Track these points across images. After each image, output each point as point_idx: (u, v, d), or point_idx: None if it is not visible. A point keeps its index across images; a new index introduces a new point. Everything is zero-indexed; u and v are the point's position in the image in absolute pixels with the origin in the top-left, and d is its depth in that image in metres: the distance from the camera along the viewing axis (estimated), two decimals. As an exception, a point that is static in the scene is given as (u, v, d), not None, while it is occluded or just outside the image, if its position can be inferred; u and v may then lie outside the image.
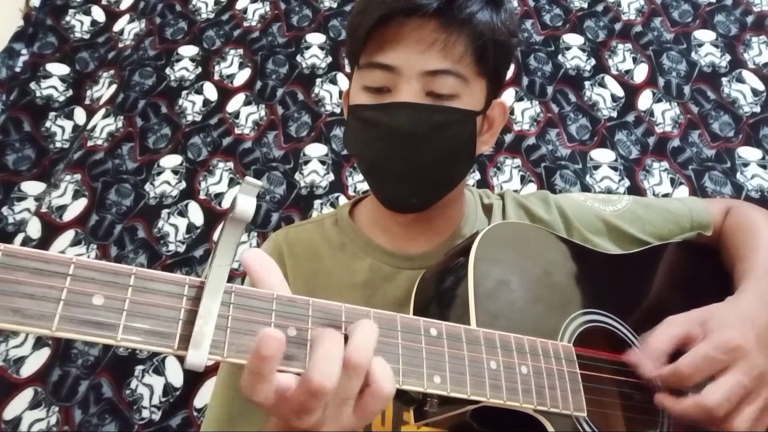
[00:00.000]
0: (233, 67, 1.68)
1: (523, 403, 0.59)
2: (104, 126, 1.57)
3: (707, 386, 0.66)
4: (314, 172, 1.51)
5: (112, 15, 1.80)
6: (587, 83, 1.60)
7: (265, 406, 0.48)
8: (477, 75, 0.79)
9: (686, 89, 1.56)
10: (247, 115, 1.60)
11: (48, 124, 1.61)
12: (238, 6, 1.78)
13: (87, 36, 1.76)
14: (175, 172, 1.52)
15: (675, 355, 0.69)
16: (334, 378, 0.47)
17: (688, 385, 0.66)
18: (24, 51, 1.69)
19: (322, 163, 1.53)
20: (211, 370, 1.18)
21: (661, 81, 1.58)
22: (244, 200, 0.46)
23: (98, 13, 1.80)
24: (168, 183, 1.50)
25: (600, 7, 1.71)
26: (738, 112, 1.51)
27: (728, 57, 1.59)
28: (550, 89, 1.59)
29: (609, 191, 1.44)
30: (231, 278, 0.47)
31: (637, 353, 0.71)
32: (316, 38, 1.72)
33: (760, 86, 1.54)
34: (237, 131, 1.58)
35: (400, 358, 0.53)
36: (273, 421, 0.52)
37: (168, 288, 0.46)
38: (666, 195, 1.42)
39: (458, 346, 0.58)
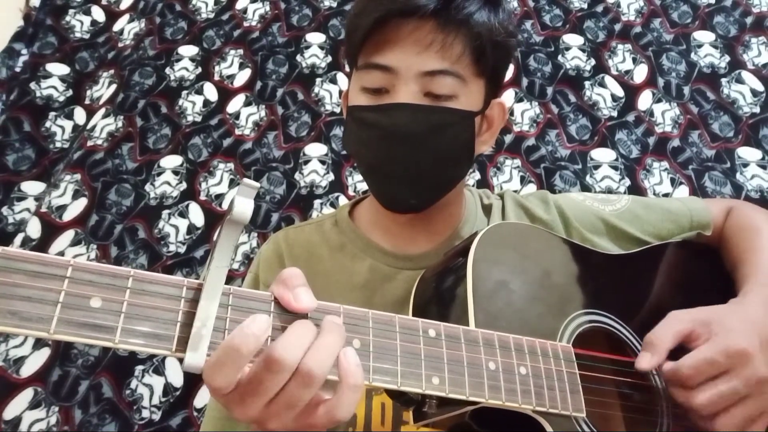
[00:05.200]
0: (233, 68, 1.68)
1: (522, 403, 0.59)
2: (104, 126, 1.57)
3: (699, 388, 0.66)
4: (314, 172, 1.51)
5: (112, 15, 1.80)
6: (587, 83, 1.60)
7: (221, 394, 0.47)
8: (475, 75, 0.79)
9: (686, 90, 1.56)
10: (247, 115, 1.60)
11: (48, 124, 1.61)
12: (238, 6, 1.78)
13: (87, 36, 1.76)
14: (175, 172, 1.52)
15: (675, 350, 0.69)
16: (296, 356, 0.47)
17: (688, 386, 0.66)
18: (24, 51, 1.69)
19: (322, 162, 1.53)
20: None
21: (660, 81, 1.57)
22: (241, 202, 0.46)
23: (98, 13, 1.80)
24: (168, 183, 1.50)
25: (600, 8, 1.71)
26: (737, 112, 1.51)
27: (727, 58, 1.59)
28: (549, 90, 1.59)
29: (609, 191, 1.44)
30: (230, 279, 0.47)
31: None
32: (316, 38, 1.72)
33: (760, 87, 1.53)
34: (237, 132, 1.58)
35: (398, 359, 0.54)
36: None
37: (166, 290, 0.46)
38: (666, 195, 1.42)
39: (457, 347, 0.58)
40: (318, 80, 1.65)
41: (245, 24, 1.75)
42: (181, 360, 0.45)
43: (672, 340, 0.69)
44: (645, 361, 0.68)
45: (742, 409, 0.66)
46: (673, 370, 0.67)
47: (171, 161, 1.54)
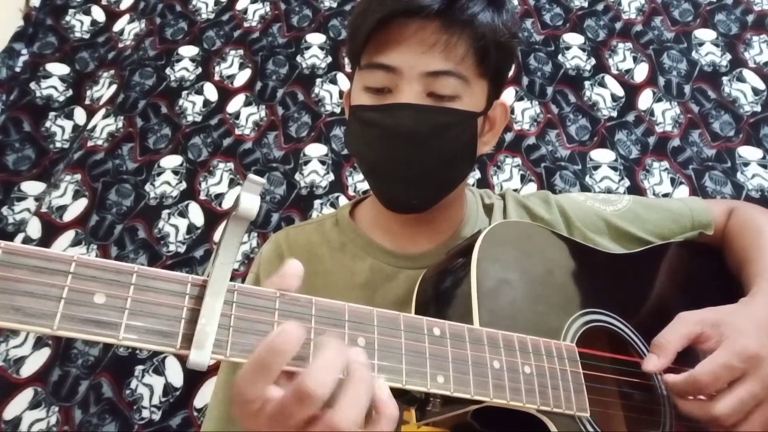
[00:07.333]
0: (233, 68, 1.67)
1: (526, 403, 0.59)
2: (104, 126, 1.57)
3: (719, 396, 0.65)
4: (314, 173, 1.51)
5: (112, 15, 1.79)
6: (587, 83, 1.60)
7: (250, 410, 0.46)
8: (478, 76, 0.79)
9: (687, 88, 1.56)
10: (247, 115, 1.60)
11: (48, 124, 1.60)
12: (238, 6, 1.77)
13: (87, 36, 1.75)
14: (175, 172, 1.51)
15: (683, 354, 0.69)
16: (328, 387, 0.45)
17: (706, 393, 0.66)
18: (24, 51, 1.68)
19: (322, 163, 1.52)
20: (211, 370, 1.17)
21: (661, 80, 1.57)
22: (247, 198, 0.46)
23: (98, 13, 1.79)
24: (168, 183, 1.50)
25: (600, 6, 1.70)
26: (738, 111, 1.51)
27: (729, 56, 1.59)
28: (549, 89, 1.59)
29: (609, 191, 1.44)
30: (233, 278, 0.47)
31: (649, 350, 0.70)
32: (316, 38, 1.72)
33: (761, 85, 1.53)
34: (237, 132, 1.57)
35: (403, 358, 0.53)
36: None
37: (170, 286, 0.46)
38: (666, 195, 1.42)
39: (461, 345, 0.57)
40: (318, 81, 1.65)
41: (245, 24, 1.75)
42: (185, 357, 0.44)
43: (680, 343, 0.68)
44: (652, 363, 0.67)
45: (759, 414, 0.65)
46: (688, 379, 0.65)
47: (171, 161, 1.53)
